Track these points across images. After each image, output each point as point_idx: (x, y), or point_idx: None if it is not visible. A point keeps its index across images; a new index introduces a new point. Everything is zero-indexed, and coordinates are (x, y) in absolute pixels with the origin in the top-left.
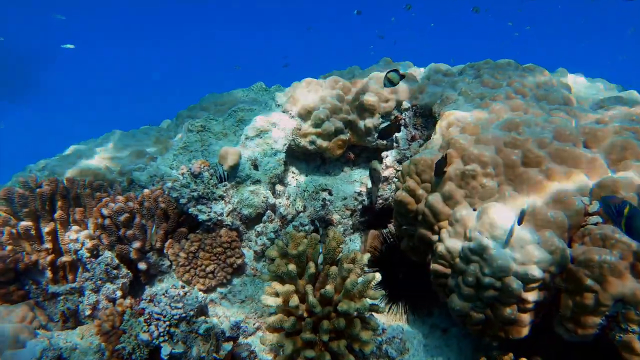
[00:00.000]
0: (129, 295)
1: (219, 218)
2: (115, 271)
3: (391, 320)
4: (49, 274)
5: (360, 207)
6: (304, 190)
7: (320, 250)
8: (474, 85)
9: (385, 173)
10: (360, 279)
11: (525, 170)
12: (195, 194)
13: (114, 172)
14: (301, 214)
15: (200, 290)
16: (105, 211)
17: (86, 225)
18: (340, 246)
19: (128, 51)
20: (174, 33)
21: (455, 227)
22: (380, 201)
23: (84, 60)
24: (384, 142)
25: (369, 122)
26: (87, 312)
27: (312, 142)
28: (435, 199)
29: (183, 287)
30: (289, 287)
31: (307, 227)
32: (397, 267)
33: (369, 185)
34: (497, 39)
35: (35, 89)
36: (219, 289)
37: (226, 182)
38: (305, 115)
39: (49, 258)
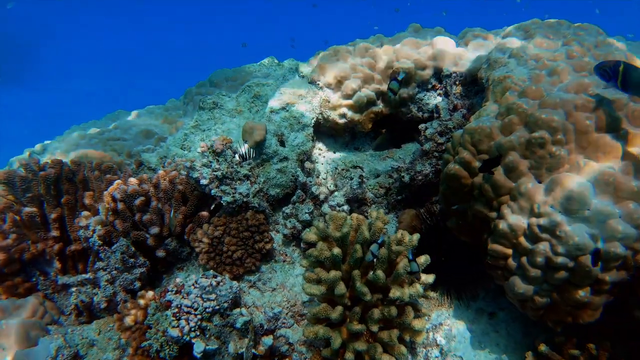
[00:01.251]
0: (147, 286)
1: (245, 199)
2: (132, 260)
3: (433, 305)
4: (57, 264)
5: (396, 184)
6: (335, 168)
7: (372, 236)
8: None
9: (426, 146)
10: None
11: (601, 136)
12: (218, 173)
13: (122, 154)
14: (335, 194)
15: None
16: (117, 194)
17: (97, 211)
18: (386, 226)
19: (129, 29)
20: (175, 10)
21: (519, 201)
22: (420, 177)
23: (83, 38)
24: (420, 113)
25: (404, 91)
26: (103, 305)
27: (343, 116)
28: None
29: (215, 276)
30: (335, 274)
31: (344, 208)
32: (439, 248)
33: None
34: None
35: (30, 68)
36: (246, 277)
37: (250, 160)
38: (335, 85)
39: (57, 247)
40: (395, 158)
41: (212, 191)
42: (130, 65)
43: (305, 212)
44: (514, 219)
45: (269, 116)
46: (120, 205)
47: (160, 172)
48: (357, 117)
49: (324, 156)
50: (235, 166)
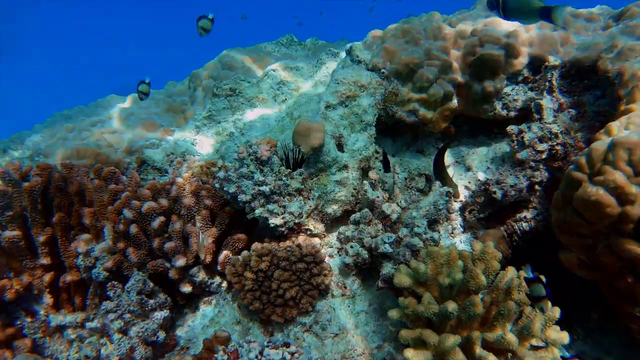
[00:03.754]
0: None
1: (297, 221)
2: (152, 301)
3: None
4: (48, 298)
5: (472, 198)
6: (405, 179)
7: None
8: None
9: (521, 154)
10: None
11: None
12: (265, 188)
13: (119, 151)
14: (413, 213)
15: (277, 322)
16: (129, 214)
17: (99, 232)
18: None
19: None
20: None
21: None
22: (513, 193)
23: (64, 11)
24: (505, 111)
25: (489, 84)
26: None
27: (413, 112)
28: None
29: (286, 344)
30: (453, 340)
31: (434, 236)
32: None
33: (481, 174)
34: None
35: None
36: (300, 318)
37: (302, 170)
38: (406, 74)
39: (48, 277)
40: (469, 164)
41: (257, 212)
42: (112, 38)
43: (385, 243)
44: None
45: (324, 112)
46: (133, 229)
47: (179, 180)
48: (429, 115)
49: (382, 160)
50: (284, 178)
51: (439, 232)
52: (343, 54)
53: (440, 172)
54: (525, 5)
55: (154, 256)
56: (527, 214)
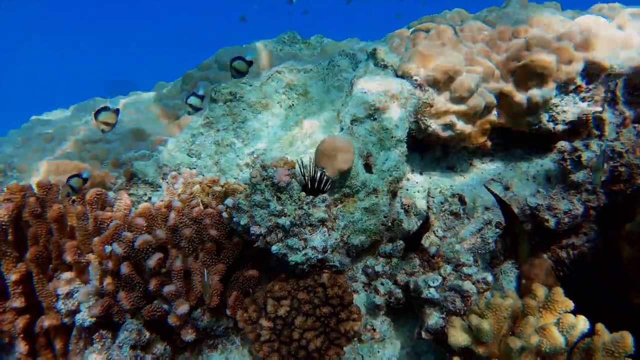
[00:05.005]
0: None
1: (321, 256)
2: (148, 357)
3: None
4: (22, 346)
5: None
6: (442, 202)
7: None
8: None
9: (577, 176)
10: None
11: None
12: (284, 221)
13: (106, 163)
14: (456, 247)
15: None
16: (119, 248)
17: (83, 269)
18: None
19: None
20: None
21: None
22: (567, 220)
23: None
24: (552, 124)
25: (536, 94)
26: None
27: (449, 126)
28: None
29: None
30: None
31: (486, 278)
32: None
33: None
34: None
35: None
36: None
37: (325, 196)
38: (443, 82)
39: (22, 322)
40: (507, 182)
41: (274, 248)
42: (98, 37)
43: (430, 287)
44: None
45: (350, 128)
46: (125, 268)
47: (176, 204)
48: (468, 129)
49: (408, 178)
50: (306, 207)
51: (491, 272)
52: (360, 55)
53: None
54: None
55: (149, 297)
56: (576, 240)
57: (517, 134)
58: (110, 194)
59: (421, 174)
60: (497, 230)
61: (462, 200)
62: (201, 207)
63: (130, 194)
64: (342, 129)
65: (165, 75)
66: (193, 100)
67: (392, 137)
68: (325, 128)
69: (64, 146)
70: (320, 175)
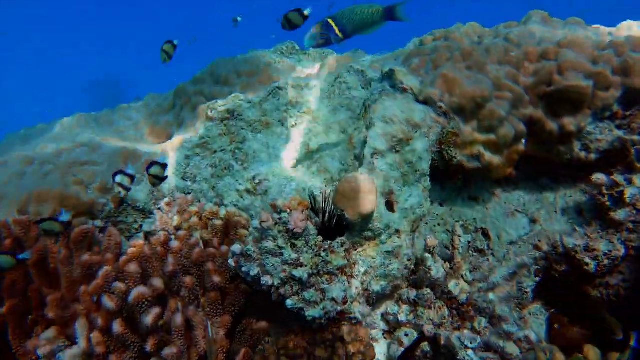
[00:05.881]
0: None
1: (340, 309)
2: None
3: None
4: None
5: (545, 262)
6: (468, 243)
7: None
8: None
9: (618, 214)
10: None
11: None
12: (300, 273)
13: (91, 187)
14: (490, 296)
15: None
16: (110, 303)
17: (71, 324)
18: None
19: None
20: None
21: None
22: (606, 262)
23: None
24: (584, 153)
25: (569, 122)
26: None
27: (476, 157)
28: None
29: None
30: None
31: (522, 335)
32: None
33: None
34: None
35: None
36: None
37: (344, 240)
38: (470, 110)
39: None
40: (533, 215)
41: (289, 302)
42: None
43: (468, 348)
44: None
45: (372, 163)
46: (118, 327)
47: (174, 245)
48: (496, 159)
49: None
50: (323, 254)
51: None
52: (370, 73)
53: None
54: (363, 14)
55: (145, 357)
56: (610, 279)
57: (542, 161)
58: (98, 222)
59: (441, 205)
60: (536, 279)
61: (486, 235)
62: (201, 245)
63: (119, 222)
64: (356, 159)
65: (156, 76)
66: (120, 179)
67: (416, 171)
68: (334, 153)
69: (45, 170)
70: (340, 217)
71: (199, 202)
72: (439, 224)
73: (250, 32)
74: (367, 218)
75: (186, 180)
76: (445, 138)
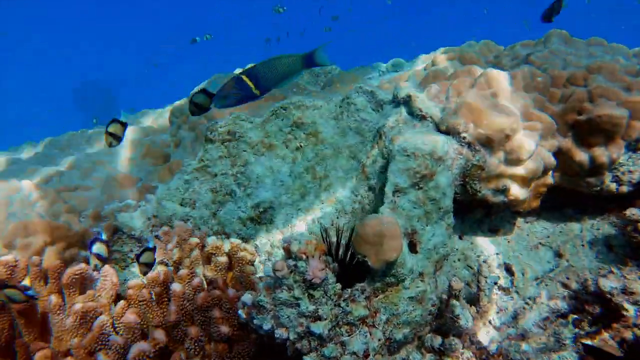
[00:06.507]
0: None
1: None
2: None
3: None
4: None
5: (575, 302)
6: (495, 284)
7: None
8: None
9: None
10: None
11: None
12: (319, 329)
13: (85, 215)
14: (525, 348)
15: None
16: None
17: None
18: None
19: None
20: None
21: None
22: None
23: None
24: (615, 185)
25: (602, 154)
26: None
27: (502, 191)
28: None
29: None
30: None
31: None
32: None
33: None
34: None
35: None
36: None
37: (364, 286)
38: (497, 141)
39: None
40: (558, 248)
41: None
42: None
43: None
44: None
45: (393, 202)
46: None
47: (176, 288)
48: (523, 194)
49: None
50: (343, 304)
51: None
52: (380, 94)
53: None
54: (280, 65)
55: None
56: None
57: (567, 190)
58: (93, 272)
59: (461, 237)
60: (576, 330)
61: (509, 270)
62: (205, 285)
63: (113, 251)
64: (370, 190)
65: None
66: (97, 248)
67: (439, 208)
68: (345, 181)
69: (32, 198)
70: (360, 264)
71: (199, 229)
72: (459, 259)
73: (247, 33)
74: (391, 264)
75: (185, 206)
76: (469, 171)
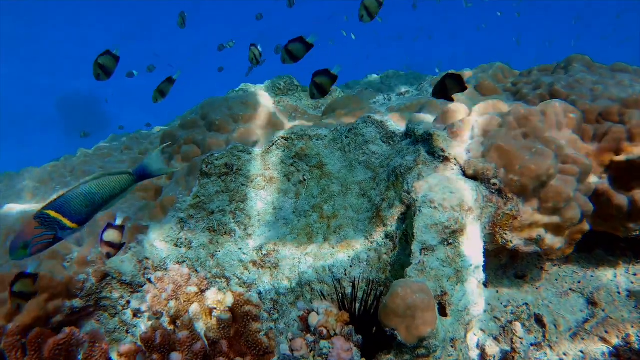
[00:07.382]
0: None
1: None
2: None
3: None
4: None
5: (615, 357)
6: (532, 344)
7: None
8: None
9: None
10: None
11: None
12: None
13: (69, 259)
14: None
15: None
16: None
17: None
18: None
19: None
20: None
21: None
22: None
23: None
24: None
25: None
26: None
27: (535, 241)
28: None
29: None
30: None
31: None
32: None
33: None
34: None
35: None
36: None
37: (391, 358)
38: (531, 188)
39: None
40: (591, 294)
41: None
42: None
43: None
44: None
45: (421, 262)
46: None
47: (176, 358)
48: (558, 242)
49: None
50: None
51: None
52: (391, 125)
53: None
54: (105, 188)
55: None
56: None
57: (597, 230)
58: (77, 302)
59: (486, 286)
60: None
61: (540, 321)
62: (207, 348)
63: (102, 298)
64: (388, 238)
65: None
66: (108, 235)
67: (470, 265)
68: (357, 223)
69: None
70: (388, 337)
71: (197, 272)
72: (485, 311)
73: (243, 36)
74: (424, 338)
75: (180, 247)
76: (500, 220)
